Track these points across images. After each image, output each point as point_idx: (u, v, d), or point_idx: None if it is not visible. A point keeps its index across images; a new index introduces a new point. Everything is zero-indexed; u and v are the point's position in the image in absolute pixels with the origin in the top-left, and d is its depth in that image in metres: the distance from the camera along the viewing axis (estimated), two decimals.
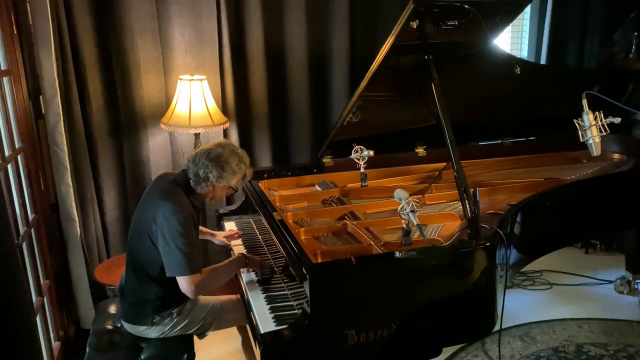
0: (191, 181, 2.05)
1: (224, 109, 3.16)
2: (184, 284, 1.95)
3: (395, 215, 2.12)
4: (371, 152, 2.56)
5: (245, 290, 2.16)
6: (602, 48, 4.04)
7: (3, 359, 1.66)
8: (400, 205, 1.96)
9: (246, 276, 2.27)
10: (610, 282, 3.49)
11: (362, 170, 2.59)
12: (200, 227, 2.42)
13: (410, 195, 2.05)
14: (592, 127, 2.13)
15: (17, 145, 2.36)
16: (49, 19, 2.47)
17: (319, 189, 2.72)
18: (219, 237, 2.55)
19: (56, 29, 2.62)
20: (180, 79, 2.87)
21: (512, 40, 4.12)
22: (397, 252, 1.84)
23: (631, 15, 3.92)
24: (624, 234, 3.37)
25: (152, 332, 2.10)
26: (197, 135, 2.96)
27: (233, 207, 2.89)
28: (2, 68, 2.30)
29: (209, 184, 2.05)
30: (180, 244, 1.92)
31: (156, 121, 3.03)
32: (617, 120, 2.12)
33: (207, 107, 2.87)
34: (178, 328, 2.11)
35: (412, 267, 1.85)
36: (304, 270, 1.76)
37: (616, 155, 3.15)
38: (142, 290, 2.07)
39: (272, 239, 2.19)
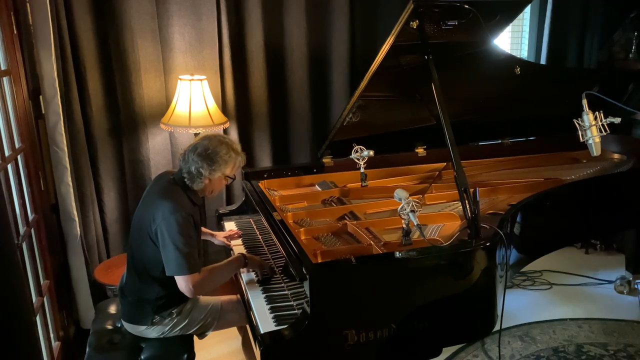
0: (186, 179, 2.05)
1: (224, 109, 3.16)
2: (182, 283, 1.95)
3: (395, 215, 2.12)
4: (371, 152, 2.56)
5: (245, 290, 2.16)
6: (602, 48, 4.05)
7: (3, 359, 1.66)
8: (400, 205, 1.96)
9: (246, 276, 2.27)
10: (610, 282, 3.49)
11: (362, 170, 2.59)
12: (203, 229, 2.44)
13: (410, 195, 2.04)
14: (592, 127, 2.13)
15: (17, 145, 2.36)
16: (49, 19, 2.47)
17: (319, 189, 2.72)
18: (219, 238, 2.55)
19: (56, 29, 2.62)
20: (180, 79, 2.87)
21: (512, 40, 4.13)
22: (397, 252, 1.84)
23: (631, 15, 3.92)
24: (624, 234, 3.37)
25: (152, 332, 2.10)
26: (197, 135, 2.95)
27: (233, 207, 2.89)
28: (2, 68, 2.30)
29: (203, 179, 2.04)
30: (179, 243, 1.92)
31: (156, 121, 3.03)
32: (617, 120, 2.13)
33: (207, 107, 2.87)
34: (178, 328, 2.11)
35: (412, 267, 1.85)
36: (304, 270, 1.76)
37: (616, 155, 3.15)
38: (142, 290, 2.07)
39: (272, 239, 2.19)
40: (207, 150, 2.02)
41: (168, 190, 2.04)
